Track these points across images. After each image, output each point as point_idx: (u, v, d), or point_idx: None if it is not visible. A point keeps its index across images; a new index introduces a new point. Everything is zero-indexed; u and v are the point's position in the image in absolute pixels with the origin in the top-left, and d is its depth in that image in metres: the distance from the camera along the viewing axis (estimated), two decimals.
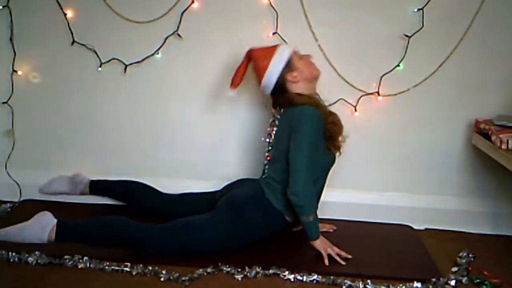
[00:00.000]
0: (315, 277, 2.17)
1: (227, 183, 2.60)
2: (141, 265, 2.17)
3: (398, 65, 2.65)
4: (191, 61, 2.72)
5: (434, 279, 2.20)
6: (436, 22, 2.60)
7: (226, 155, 2.81)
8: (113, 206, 2.71)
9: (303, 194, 2.24)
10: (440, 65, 2.65)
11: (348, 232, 2.60)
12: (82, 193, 2.68)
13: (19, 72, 2.75)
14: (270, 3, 2.61)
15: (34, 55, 2.75)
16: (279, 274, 2.18)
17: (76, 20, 2.69)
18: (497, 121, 2.50)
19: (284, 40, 2.60)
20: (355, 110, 2.71)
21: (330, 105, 2.68)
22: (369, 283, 2.14)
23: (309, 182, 2.27)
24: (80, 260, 2.18)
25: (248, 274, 2.17)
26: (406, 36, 2.61)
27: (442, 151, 2.75)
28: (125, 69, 2.72)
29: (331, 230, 2.59)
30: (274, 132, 2.44)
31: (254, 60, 2.40)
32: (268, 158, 2.47)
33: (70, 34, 2.70)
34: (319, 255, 2.29)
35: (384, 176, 2.80)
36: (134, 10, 2.67)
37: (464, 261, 2.37)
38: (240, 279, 2.15)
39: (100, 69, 2.71)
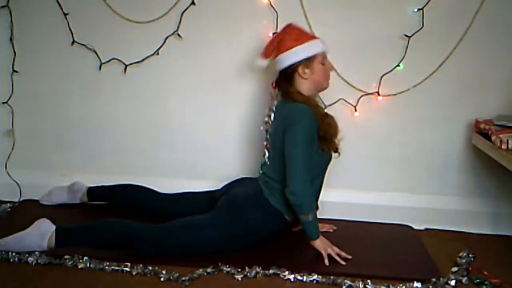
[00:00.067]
0: (315, 277, 2.17)
1: (226, 182, 2.60)
2: (141, 265, 2.17)
3: (398, 65, 2.65)
4: (191, 61, 2.72)
5: (434, 279, 2.20)
6: (436, 22, 2.60)
7: (226, 155, 2.81)
8: (112, 206, 2.70)
9: (301, 193, 2.24)
10: (440, 65, 2.65)
11: (348, 232, 2.59)
12: (81, 201, 2.71)
13: (19, 72, 2.75)
14: (270, 3, 2.61)
15: (34, 55, 2.75)
16: (279, 274, 2.18)
17: (76, 20, 2.69)
18: (497, 121, 2.50)
19: None
20: (355, 110, 2.71)
21: (330, 105, 2.69)
22: (369, 283, 2.14)
23: (307, 181, 2.27)
24: (80, 260, 2.17)
25: (248, 274, 2.17)
26: (406, 36, 2.61)
27: (442, 151, 2.75)
28: (125, 69, 2.73)
29: (331, 230, 2.59)
30: (270, 121, 2.43)
31: (286, 34, 2.35)
32: (267, 146, 2.46)
33: (70, 34, 2.70)
34: (319, 255, 2.29)
35: (384, 176, 2.80)
36: (134, 10, 2.67)
37: (464, 261, 2.37)
38: (240, 279, 2.14)
39: (100, 69, 2.72)
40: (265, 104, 2.64)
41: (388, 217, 2.75)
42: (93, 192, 2.69)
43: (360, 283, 2.14)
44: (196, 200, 2.57)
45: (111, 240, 2.24)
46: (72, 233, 2.23)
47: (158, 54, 2.70)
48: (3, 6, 2.67)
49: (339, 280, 2.15)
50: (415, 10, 2.59)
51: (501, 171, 2.52)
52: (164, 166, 2.84)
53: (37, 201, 2.75)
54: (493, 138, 2.41)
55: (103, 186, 2.70)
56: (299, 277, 2.16)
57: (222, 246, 2.29)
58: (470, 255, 2.42)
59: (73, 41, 2.70)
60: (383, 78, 2.67)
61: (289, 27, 2.37)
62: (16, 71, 2.75)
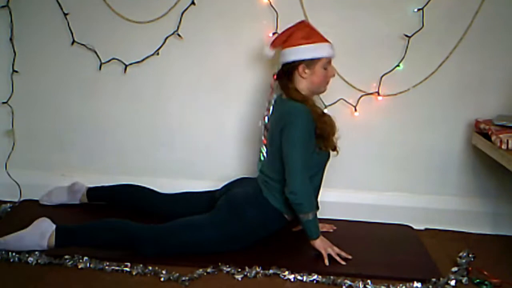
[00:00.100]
0: (315, 277, 2.17)
1: (226, 182, 2.59)
2: (141, 265, 2.17)
3: (398, 65, 2.65)
4: (191, 61, 2.72)
5: (434, 279, 2.20)
6: (436, 22, 2.60)
7: (226, 155, 2.81)
8: (112, 207, 2.70)
9: (301, 192, 2.24)
10: (440, 65, 2.65)
11: (348, 232, 2.59)
12: (81, 201, 2.71)
13: (19, 72, 2.75)
14: (270, 3, 2.61)
15: (34, 55, 2.75)
16: (279, 274, 2.18)
17: (76, 20, 2.69)
18: (497, 121, 2.50)
19: None
20: (355, 110, 2.71)
21: (330, 105, 2.69)
22: (369, 283, 2.14)
23: (306, 180, 2.27)
24: (80, 260, 2.17)
25: (248, 274, 2.17)
26: (406, 36, 2.61)
27: (442, 151, 2.75)
28: (125, 69, 2.73)
29: (331, 230, 2.58)
30: (269, 115, 2.43)
31: (298, 30, 2.34)
32: (265, 142, 2.46)
33: (70, 34, 2.70)
34: (319, 255, 2.29)
35: (384, 176, 2.80)
36: (134, 10, 2.67)
37: (464, 261, 2.37)
38: (240, 279, 2.15)
39: (100, 69, 2.72)
40: (265, 104, 2.64)
41: (388, 217, 2.75)
42: (92, 192, 2.69)
43: (360, 283, 2.14)
44: (196, 200, 2.57)
45: (111, 240, 2.24)
46: (72, 232, 2.23)
47: (158, 54, 2.70)
48: (3, 6, 2.67)
49: (339, 280, 2.15)
50: (415, 10, 2.59)
51: (501, 171, 2.52)
52: (164, 166, 2.84)
53: (37, 201, 2.74)
54: (493, 138, 2.41)
55: (102, 187, 2.70)
56: (299, 277, 2.17)
57: (222, 246, 2.29)
58: (470, 255, 2.42)
59: (73, 41, 2.70)
60: (383, 78, 2.67)
61: (302, 24, 2.37)
62: (16, 71, 2.75)
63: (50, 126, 2.83)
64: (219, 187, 2.59)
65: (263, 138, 2.47)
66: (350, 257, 2.30)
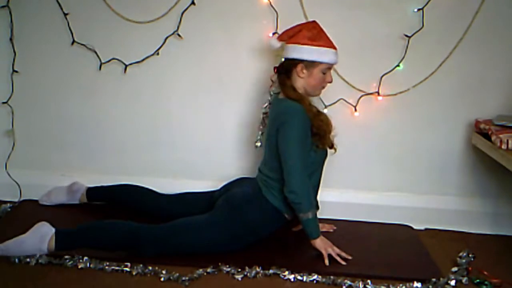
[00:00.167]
0: (315, 277, 2.17)
1: (226, 182, 2.59)
2: (141, 265, 2.17)
3: (398, 65, 2.66)
4: (191, 61, 2.72)
5: (434, 279, 2.20)
6: (436, 22, 2.60)
7: (225, 155, 2.81)
8: (111, 207, 2.70)
9: (300, 191, 2.24)
10: (440, 65, 2.65)
11: (348, 232, 2.59)
12: (80, 201, 2.71)
13: (19, 72, 2.75)
14: (270, 3, 2.61)
15: (34, 55, 2.75)
16: (279, 274, 2.18)
17: (76, 20, 2.69)
18: (497, 121, 2.50)
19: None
20: (355, 110, 2.71)
21: (330, 105, 2.69)
22: (369, 283, 2.14)
23: (305, 178, 2.27)
24: (80, 260, 2.17)
25: (248, 274, 2.17)
26: (406, 36, 2.61)
27: (442, 151, 2.76)
28: (125, 69, 2.73)
29: (331, 230, 2.59)
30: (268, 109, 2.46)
31: (306, 29, 2.33)
32: (262, 133, 2.48)
33: (70, 34, 2.70)
34: (319, 255, 2.29)
35: (384, 176, 2.80)
36: (134, 10, 2.67)
37: (464, 261, 2.37)
38: (240, 279, 2.15)
39: (100, 69, 2.72)
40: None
41: (388, 217, 2.75)
42: (92, 192, 2.69)
43: (360, 283, 2.14)
44: (196, 201, 2.57)
45: (111, 241, 2.24)
46: (71, 235, 2.22)
47: (158, 54, 2.70)
48: (3, 6, 2.67)
49: (339, 280, 2.15)
50: (415, 10, 2.59)
51: (501, 171, 2.52)
52: (164, 166, 2.84)
53: (37, 201, 2.74)
54: (493, 138, 2.41)
55: (102, 187, 2.70)
56: (299, 277, 2.17)
57: (222, 246, 2.29)
58: (470, 255, 2.42)
59: (73, 41, 2.70)
60: (383, 78, 2.67)
61: (312, 24, 2.37)
62: (16, 71, 2.75)
63: (50, 126, 2.83)
64: (218, 187, 2.59)
65: (261, 126, 2.49)
66: (350, 257, 2.30)
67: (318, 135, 2.32)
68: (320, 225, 2.36)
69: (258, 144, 2.51)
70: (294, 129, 2.26)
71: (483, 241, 2.64)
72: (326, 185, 2.50)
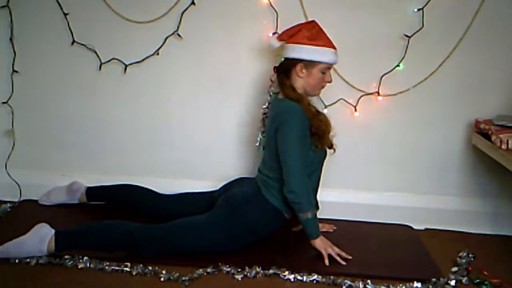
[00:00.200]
0: (315, 277, 2.17)
1: (225, 182, 2.59)
2: (141, 265, 2.17)
3: (398, 65, 2.66)
4: (191, 61, 2.72)
5: (434, 279, 2.20)
6: (436, 22, 2.60)
7: (225, 155, 2.81)
8: (111, 207, 2.70)
9: (300, 190, 2.24)
10: (440, 65, 2.65)
11: (348, 232, 2.59)
12: (80, 201, 2.70)
13: (19, 72, 2.75)
14: (270, 3, 2.61)
15: (34, 55, 2.75)
16: (279, 274, 2.18)
17: (76, 20, 2.69)
18: (497, 121, 2.50)
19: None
20: (355, 110, 2.71)
21: (330, 105, 2.69)
22: (369, 283, 2.14)
23: (304, 178, 2.27)
24: (80, 260, 2.17)
25: (248, 274, 2.17)
26: (406, 36, 2.61)
27: (442, 151, 2.76)
28: (125, 69, 2.73)
29: (331, 230, 2.59)
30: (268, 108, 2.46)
31: (306, 28, 2.33)
32: (263, 132, 2.48)
33: (70, 34, 2.70)
34: (319, 255, 2.29)
35: (384, 176, 2.80)
36: (134, 10, 2.67)
37: (464, 261, 2.37)
38: (240, 279, 2.15)
39: (100, 69, 2.72)
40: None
41: (388, 217, 2.75)
42: (91, 192, 2.69)
43: (360, 283, 2.14)
44: (196, 201, 2.57)
45: (110, 242, 2.23)
46: (71, 236, 2.22)
47: (158, 54, 2.70)
48: (3, 6, 2.67)
49: (339, 280, 2.15)
50: (415, 10, 2.59)
51: (501, 171, 2.52)
52: (164, 166, 2.84)
53: (37, 201, 2.74)
54: (493, 138, 2.41)
55: (102, 186, 2.70)
56: (299, 277, 2.17)
57: (222, 246, 2.29)
58: (470, 255, 2.42)
59: (73, 41, 2.70)
60: (383, 78, 2.67)
61: (312, 24, 2.37)
62: (16, 71, 2.75)
63: (50, 126, 2.83)
64: (218, 187, 2.59)
65: (261, 124, 2.49)
66: (350, 257, 2.30)
67: (317, 135, 2.32)
68: (320, 225, 2.36)
69: (261, 148, 2.50)
70: (293, 129, 2.26)
71: (483, 241, 2.64)
72: (326, 185, 2.50)
